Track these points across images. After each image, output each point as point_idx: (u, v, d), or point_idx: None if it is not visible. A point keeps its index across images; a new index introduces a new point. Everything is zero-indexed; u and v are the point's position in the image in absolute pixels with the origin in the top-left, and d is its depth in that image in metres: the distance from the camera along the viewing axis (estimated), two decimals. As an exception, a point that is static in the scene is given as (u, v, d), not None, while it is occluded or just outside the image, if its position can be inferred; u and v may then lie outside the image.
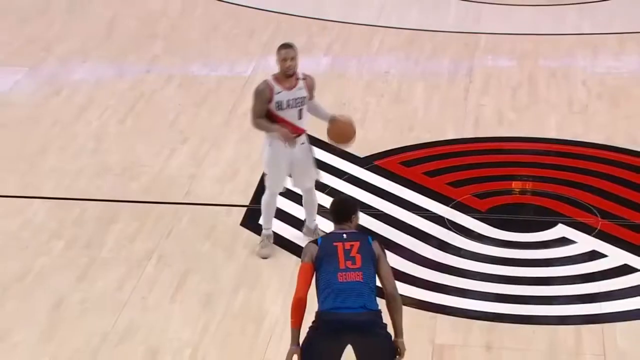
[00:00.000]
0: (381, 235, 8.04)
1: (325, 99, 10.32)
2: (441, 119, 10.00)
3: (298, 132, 7.46)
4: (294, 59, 7.33)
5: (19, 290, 7.41)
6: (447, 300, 7.33)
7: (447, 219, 8.32)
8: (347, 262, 5.50)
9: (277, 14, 12.32)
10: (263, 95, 7.35)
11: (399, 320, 5.59)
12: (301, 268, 5.58)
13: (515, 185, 8.84)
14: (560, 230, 8.13)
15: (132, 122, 9.94)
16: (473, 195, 8.62)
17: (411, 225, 8.23)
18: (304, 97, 7.45)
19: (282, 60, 7.32)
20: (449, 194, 8.66)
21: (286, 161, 7.55)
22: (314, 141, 7.85)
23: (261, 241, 7.78)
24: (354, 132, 7.52)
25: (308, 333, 5.53)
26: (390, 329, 5.60)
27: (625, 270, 7.65)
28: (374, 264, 5.56)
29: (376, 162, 9.15)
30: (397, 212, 8.41)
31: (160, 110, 10.15)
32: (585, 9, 12.35)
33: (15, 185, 8.84)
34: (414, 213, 8.40)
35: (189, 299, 7.29)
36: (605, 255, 7.82)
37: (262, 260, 7.66)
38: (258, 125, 7.47)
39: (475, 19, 12.25)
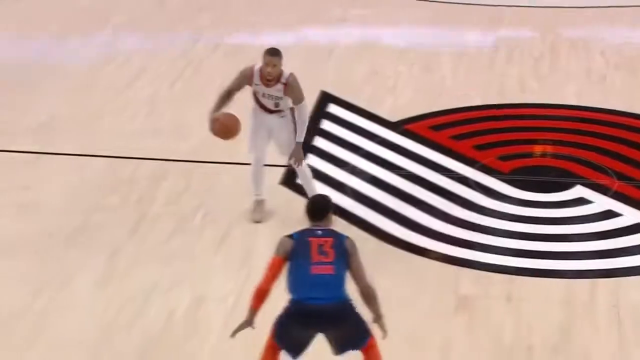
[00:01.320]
0: (410, 195, 8.02)
1: (359, 68, 10.41)
2: (467, 86, 9.89)
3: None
4: (275, 66, 7.17)
5: (79, 241, 7.45)
6: (471, 255, 7.28)
7: (472, 179, 8.26)
8: (320, 256, 5.38)
9: (314, -14, 12.26)
10: (243, 79, 7.33)
11: (376, 307, 5.46)
12: (272, 260, 5.45)
13: (537, 148, 8.76)
14: (578, 191, 8.05)
15: (181, 88, 9.94)
16: (497, 158, 8.55)
17: (438, 186, 8.16)
18: (280, 97, 7.29)
19: (265, 65, 7.18)
20: (474, 156, 8.59)
21: (264, 129, 7.43)
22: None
23: (253, 206, 7.69)
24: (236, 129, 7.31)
25: (282, 316, 5.44)
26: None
27: (639, 228, 7.57)
28: (345, 259, 5.44)
29: (406, 127, 9.08)
30: (425, 173, 8.35)
31: (207, 77, 10.12)
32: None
33: (75, 144, 8.87)
34: (441, 174, 8.34)
35: (231, 251, 7.30)
36: (621, 214, 7.74)
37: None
38: (219, 97, 7.39)
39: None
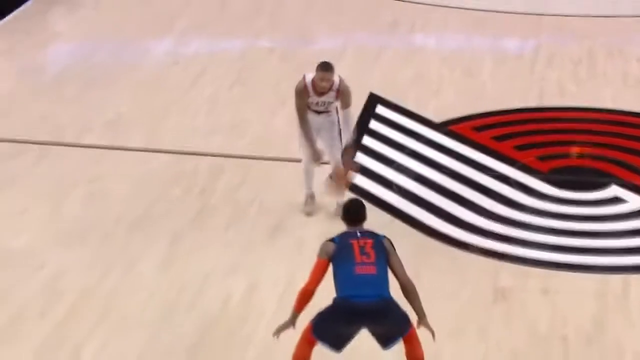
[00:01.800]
0: (453, 192, 7.97)
1: (405, 72, 10.36)
2: (508, 90, 9.80)
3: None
4: (329, 80, 7.10)
5: (143, 227, 7.52)
6: (510, 250, 7.22)
7: (512, 178, 8.18)
8: (363, 256, 5.36)
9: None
10: (301, 96, 7.22)
11: (418, 303, 5.44)
12: (317, 263, 5.44)
13: (574, 149, 8.65)
14: (613, 190, 7.94)
15: (239, 88, 9.98)
16: (536, 158, 8.46)
17: (481, 184, 8.10)
18: (331, 102, 7.26)
19: (319, 80, 7.11)
20: (514, 156, 8.51)
21: (312, 128, 7.34)
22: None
23: (305, 200, 7.68)
24: (348, 181, 7.38)
25: (325, 312, 5.40)
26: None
27: (671, 227, 7.47)
28: (385, 258, 5.43)
29: (450, 127, 9.02)
30: (468, 172, 8.28)
31: (263, 78, 10.16)
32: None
33: (141, 140, 8.96)
34: (483, 173, 8.28)
35: (284, 241, 7.32)
36: (653, 214, 7.64)
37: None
38: (300, 126, 7.31)
39: (541, 2, 11.97)
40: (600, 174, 8.20)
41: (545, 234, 7.41)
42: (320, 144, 7.45)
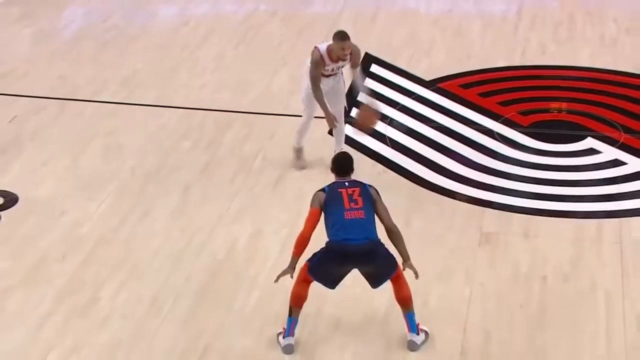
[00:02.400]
0: (441, 144, 7.91)
1: (399, 33, 10.22)
2: (494, 49, 9.68)
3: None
4: (349, 47, 6.89)
5: (156, 178, 7.51)
6: (494, 197, 7.19)
7: (496, 131, 8.11)
8: (351, 203, 5.39)
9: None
10: (318, 66, 6.97)
11: (403, 246, 5.47)
12: (310, 212, 5.46)
13: (553, 105, 8.55)
14: (589, 142, 7.87)
15: (244, 49, 9.86)
16: (518, 113, 8.37)
17: (467, 137, 8.03)
18: (343, 65, 7.10)
19: (340, 49, 6.87)
20: (498, 111, 8.41)
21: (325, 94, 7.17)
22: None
23: (294, 155, 7.53)
24: (375, 123, 7.15)
25: (319, 254, 5.43)
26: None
27: (641, 175, 7.43)
28: (372, 205, 5.45)
29: (439, 85, 8.92)
30: (455, 126, 8.21)
31: (266, 40, 10.04)
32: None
33: (153, 96, 8.88)
34: (469, 127, 8.20)
35: (286, 191, 7.30)
36: (626, 163, 7.56)
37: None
38: (316, 96, 7.07)
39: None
40: (577, 127, 8.12)
41: (526, 182, 7.36)
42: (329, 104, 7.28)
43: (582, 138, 7.94)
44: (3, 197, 7.19)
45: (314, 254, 5.45)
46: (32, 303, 6.06)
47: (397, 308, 5.58)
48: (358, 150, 7.74)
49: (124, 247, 6.65)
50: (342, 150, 7.17)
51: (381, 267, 5.44)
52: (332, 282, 5.52)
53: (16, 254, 6.58)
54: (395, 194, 6.98)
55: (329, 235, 5.42)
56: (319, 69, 7.03)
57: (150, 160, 7.74)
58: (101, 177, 7.51)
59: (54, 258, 6.52)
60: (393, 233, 5.47)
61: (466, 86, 8.89)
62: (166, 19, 10.65)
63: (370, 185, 5.55)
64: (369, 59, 9.37)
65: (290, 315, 5.55)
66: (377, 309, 5.89)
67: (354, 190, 5.47)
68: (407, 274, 5.47)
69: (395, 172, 7.56)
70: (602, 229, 6.76)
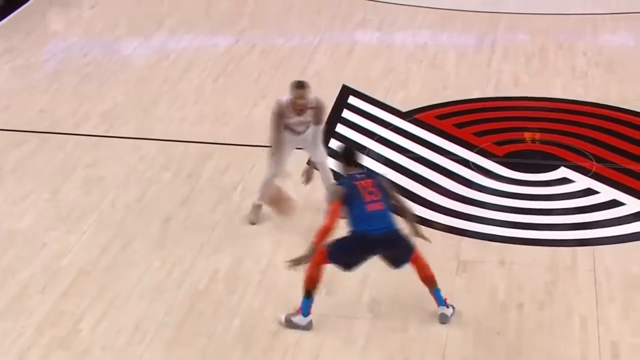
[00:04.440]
0: (418, 174, 7.96)
1: (375, 66, 10.32)
2: (468, 81, 9.80)
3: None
4: (304, 98, 6.74)
5: (137, 209, 7.49)
6: (470, 226, 7.24)
7: (471, 161, 8.19)
8: (370, 195, 5.74)
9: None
10: (279, 117, 6.84)
11: (413, 220, 6.04)
12: (333, 205, 5.76)
13: (527, 135, 8.64)
14: (562, 172, 7.95)
15: (223, 81, 9.92)
16: (493, 143, 8.46)
17: (442, 166, 8.11)
18: (309, 121, 6.91)
19: (297, 98, 6.74)
20: (473, 141, 8.50)
21: (291, 148, 7.00)
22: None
23: (252, 208, 7.24)
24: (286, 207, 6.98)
25: (341, 242, 5.74)
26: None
27: (614, 204, 7.50)
28: (386, 194, 5.84)
29: (415, 116, 9.00)
30: (431, 156, 8.28)
31: (246, 72, 10.10)
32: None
33: (134, 128, 8.89)
34: (445, 157, 8.27)
35: (265, 221, 7.29)
36: (598, 192, 7.65)
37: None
38: (273, 142, 6.95)
39: (498, 1, 11.97)
40: (551, 157, 8.20)
41: (501, 211, 7.42)
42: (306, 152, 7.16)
43: (556, 167, 8.02)
44: None
45: (335, 241, 5.73)
46: (13, 336, 5.99)
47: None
48: (336, 180, 7.76)
49: (104, 278, 6.60)
50: (346, 146, 6.85)
51: (401, 251, 5.83)
52: (350, 267, 5.85)
53: (-4, 286, 6.53)
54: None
55: (352, 226, 5.73)
56: (279, 120, 6.87)
57: (130, 191, 7.73)
58: (82, 209, 7.48)
59: (35, 289, 6.47)
60: (403, 212, 5.95)
61: (442, 117, 8.97)
62: (147, 53, 10.70)
63: (380, 175, 5.80)
64: (346, 91, 9.47)
65: (308, 297, 5.82)
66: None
67: (367, 182, 5.81)
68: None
69: None
70: (576, 257, 6.81)
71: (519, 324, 6.06)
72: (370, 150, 8.38)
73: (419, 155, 8.30)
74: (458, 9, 11.75)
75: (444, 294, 6.01)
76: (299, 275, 5.78)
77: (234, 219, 7.32)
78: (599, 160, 8.11)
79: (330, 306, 5.79)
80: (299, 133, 7.00)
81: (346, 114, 9.07)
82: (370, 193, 5.75)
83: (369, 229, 5.67)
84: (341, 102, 9.25)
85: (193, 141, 8.60)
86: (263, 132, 8.54)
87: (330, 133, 8.48)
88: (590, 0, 11.86)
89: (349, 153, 6.09)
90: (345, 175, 5.96)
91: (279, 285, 6.32)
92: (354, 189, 5.76)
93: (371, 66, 10.20)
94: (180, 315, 6.16)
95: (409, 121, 8.88)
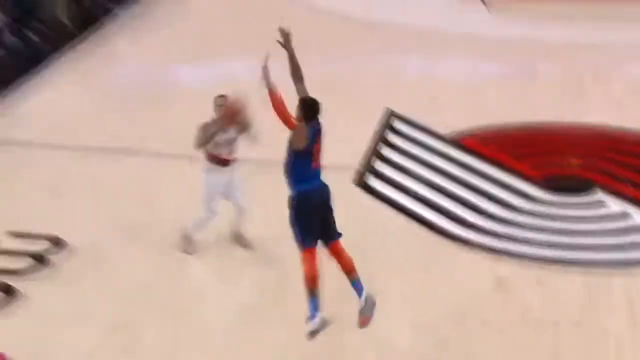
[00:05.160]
0: (460, 196, 7.90)
1: (420, 91, 10.06)
2: (511, 108, 9.71)
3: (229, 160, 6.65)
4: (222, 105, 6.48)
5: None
6: (510, 246, 7.18)
7: (512, 184, 8.13)
8: (317, 154, 5.30)
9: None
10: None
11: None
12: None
13: (566, 159, 8.58)
14: (599, 196, 7.89)
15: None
16: (533, 167, 8.39)
17: (483, 189, 8.07)
18: (235, 138, 6.57)
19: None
20: (514, 165, 8.43)
21: (222, 186, 6.66)
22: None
23: (184, 241, 6.94)
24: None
25: (293, 220, 5.32)
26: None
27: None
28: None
29: (458, 140, 8.95)
30: (473, 178, 8.26)
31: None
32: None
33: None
34: (486, 180, 8.23)
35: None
36: (633, 216, 7.56)
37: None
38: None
39: (539, 30, 11.88)
40: (588, 181, 8.14)
41: (540, 232, 7.36)
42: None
43: (593, 191, 7.97)
44: (49, 241, 7.19)
45: (293, 228, 5.33)
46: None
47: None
48: (382, 202, 7.80)
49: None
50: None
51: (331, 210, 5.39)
52: (316, 237, 5.35)
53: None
54: (416, 245, 7.08)
55: (294, 185, 5.30)
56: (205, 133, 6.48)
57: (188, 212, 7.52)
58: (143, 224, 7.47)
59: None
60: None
61: (484, 142, 8.93)
62: (211, 78, 10.59)
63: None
64: (391, 116, 9.47)
65: (312, 296, 5.32)
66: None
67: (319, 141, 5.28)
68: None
69: (418, 223, 7.54)
70: (611, 277, 6.74)
71: (554, 343, 5.99)
72: (415, 173, 8.37)
73: (460, 177, 8.28)
74: (496, 40, 11.76)
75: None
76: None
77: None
78: (635, 184, 8.03)
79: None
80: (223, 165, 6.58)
81: (392, 137, 9.08)
82: (318, 151, 5.27)
83: (314, 188, 5.28)
84: (387, 127, 9.26)
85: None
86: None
87: (375, 155, 8.49)
88: (626, 29, 11.76)
89: (316, 104, 5.27)
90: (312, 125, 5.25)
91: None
92: (315, 147, 5.24)
93: (416, 92, 10.22)
94: None
95: (452, 145, 8.86)
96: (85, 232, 7.44)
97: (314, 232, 5.39)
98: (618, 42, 11.46)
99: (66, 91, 10.59)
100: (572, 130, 9.15)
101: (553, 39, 11.64)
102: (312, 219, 5.36)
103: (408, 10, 12.83)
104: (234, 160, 6.70)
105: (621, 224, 7.48)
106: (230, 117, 6.41)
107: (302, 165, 5.28)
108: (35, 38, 11.36)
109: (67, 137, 9.32)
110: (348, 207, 7.39)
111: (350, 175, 8.16)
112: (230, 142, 6.60)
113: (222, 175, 6.66)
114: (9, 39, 11.09)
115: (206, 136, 6.51)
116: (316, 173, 5.34)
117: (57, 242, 7.17)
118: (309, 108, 5.27)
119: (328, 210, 5.43)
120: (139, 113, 9.84)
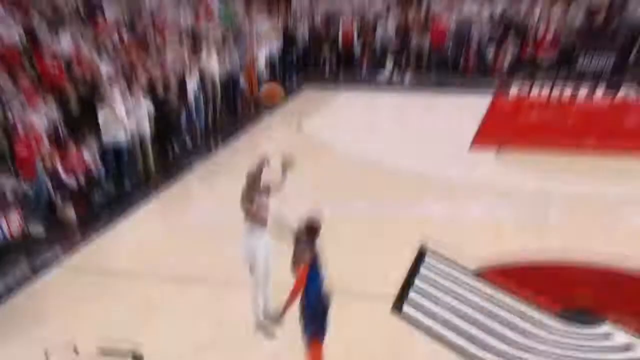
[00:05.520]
0: (485, 324, 8.15)
1: (448, 228, 10.37)
2: (524, 244, 9.90)
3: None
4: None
5: None
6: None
7: (530, 315, 8.41)
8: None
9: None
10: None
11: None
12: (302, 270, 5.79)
13: (578, 293, 8.84)
14: (607, 328, 8.18)
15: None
16: (550, 300, 8.63)
17: (504, 317, 8.34)
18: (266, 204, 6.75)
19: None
20: (532, 297, 8.68)
21: (262, 248, 6.75)
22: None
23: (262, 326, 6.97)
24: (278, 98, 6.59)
25: (308, 321, 6.00)
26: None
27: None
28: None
29: (482, 274, 9.21)
30: (495, 308, 8.53)
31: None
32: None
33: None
34: (505, 309, 8.49)
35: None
36: (636, 348, 7.82)
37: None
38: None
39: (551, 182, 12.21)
40: (599, 315, 8.35)
41: (550, 358, 7.58)
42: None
43: (602, 323, 8.24)
44: (134, 358, 7.53)
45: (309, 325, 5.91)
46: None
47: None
48: (413, 325, 8.19)
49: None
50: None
51: None
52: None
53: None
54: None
55: (313, 301, 5.84)
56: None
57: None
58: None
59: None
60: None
61: (506, 276, 9.20)
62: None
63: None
64: (424, 251, 9.80)
65: None
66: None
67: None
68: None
69: (449, 349, 7.78)
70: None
71: None
72: (445, 302, 8.67)
73: (486, 308, 8.56)
74: (513, 185, 12.20)
75: None
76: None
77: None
78: (640, 321, 8.38)
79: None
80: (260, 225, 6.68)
81: (424, 271, 9.40)
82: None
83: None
84: (419, 262, 9.56)
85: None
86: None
87: (409, 288, 8.87)
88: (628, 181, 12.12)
89: (319, 227, 5.63)
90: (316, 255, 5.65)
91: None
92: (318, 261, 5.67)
93: (445, 229, 10.47)
94: None
95: (476, 278, 9.14)
96: (165, 351, 7.70)
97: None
98: (621, 194, 11.69)
99: (150, 228, 11.08)
100: (586, 266, 9.36)
101: (563, 189, 11.93)
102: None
103: (426, 161, 13.31)
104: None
105: (627, 354, 7.72)
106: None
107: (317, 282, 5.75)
108: (128, 186, 12.45)
109: (150, 266, 9.66)
110: (384, 333, 7.80)
111: (387, 304, 8.47)
112: (265, 209, 6.69)
113: (262, 234, 6.71)
114: (108, 187, 12.20)
115: (250, 195, 6.57)
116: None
117: (139, 358, 7.64)
118: (315, 230, 5.76)
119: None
120: (214, 244, 9.93)
